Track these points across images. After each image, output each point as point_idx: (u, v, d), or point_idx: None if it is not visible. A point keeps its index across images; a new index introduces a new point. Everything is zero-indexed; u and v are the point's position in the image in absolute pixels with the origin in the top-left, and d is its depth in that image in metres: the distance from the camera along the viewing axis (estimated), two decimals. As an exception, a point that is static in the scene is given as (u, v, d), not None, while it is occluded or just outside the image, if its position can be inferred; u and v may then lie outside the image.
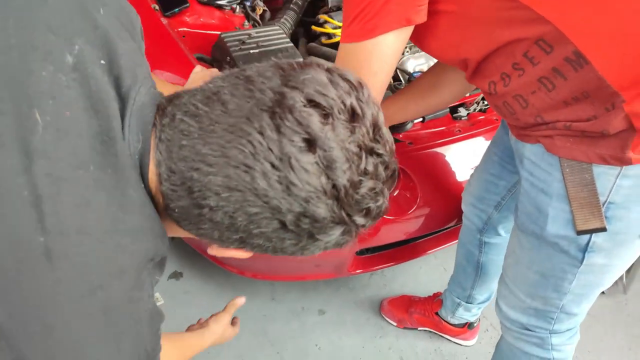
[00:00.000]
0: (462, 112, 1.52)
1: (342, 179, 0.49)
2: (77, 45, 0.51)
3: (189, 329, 0.96)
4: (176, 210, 0.54)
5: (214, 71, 1.27)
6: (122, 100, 0.52)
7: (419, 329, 1.67)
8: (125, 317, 0.52)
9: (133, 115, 0.52)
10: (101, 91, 0.51)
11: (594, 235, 0.85)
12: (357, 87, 0.52)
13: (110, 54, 0.53)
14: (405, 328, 1.68)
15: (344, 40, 0.85)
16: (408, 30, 0.82)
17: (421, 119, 1.48)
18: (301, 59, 0.55)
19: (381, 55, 0.83)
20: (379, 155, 0.52)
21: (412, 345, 1.65)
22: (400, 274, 1.85)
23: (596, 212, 0.82)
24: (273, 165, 0.47)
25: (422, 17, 0.80)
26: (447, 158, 1.45)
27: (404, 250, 1.60)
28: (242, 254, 0.58)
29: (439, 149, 1.44)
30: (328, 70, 0.52)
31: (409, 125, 1.44)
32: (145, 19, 0.72)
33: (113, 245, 0.49)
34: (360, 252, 1.54)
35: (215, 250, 0.58)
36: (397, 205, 1.38)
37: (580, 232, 0.85)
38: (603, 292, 1.83)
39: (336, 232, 0.52)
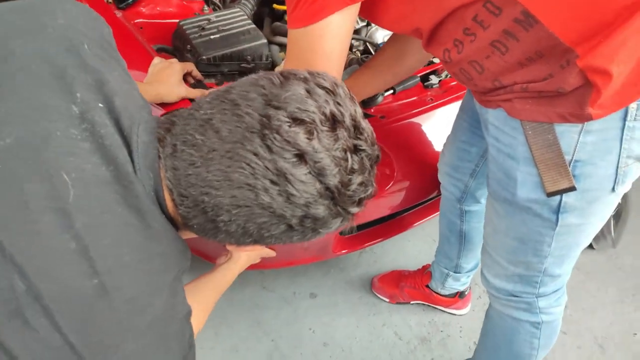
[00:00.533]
0: (434, 79, 1.48)
1: (334, 181, 0.55)
2: (78, 92, 0.56)
3: (217, 263, 1.04)
4: (195, 226, 0.61)
5: (173, 61, 1.23)
6: (127, 144, 0.58)
7: (412, 302, 1.67)
8: (170, 323, 0.61)
9: (140, 158, 0.57)
10: (110, 139, 0.56)
11: (564, 195, 0.83)
12: (333, 91, 0.57)
13: (105, 95, 0.58)
14: (397, 303, 1.67)
15: (290, 25, 0.82)
16: (355, 8, 0.79)
17: (392, 91, 1.44)
18: (277, 69, 0.60)
19: (331, 36, 0.80)
20: (362, 150, 0.58)
21: (406, 319, 1.65)
22: (389, 249, 1.84)
23: (563, 172, 0.80)
24: (272, 181, 0.54)
25: None
26: (421, 128, 1.42)
27: (389, 225, 1.58)
28: (257, 248, 0.69)
29: (412, 120, 1.40)
30: (305, 79, 0.57)
31: (380, 99, 1.41)
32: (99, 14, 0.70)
33: (149, 270, 0.57)
34: (344, 232, 1.52)
35: (232, 247, 0.67)
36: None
37: (550, 194, 0.82)
38: (593, 248, 1.82)
39: (336, 223, 0.59)
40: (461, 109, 1.17)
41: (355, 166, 0.56)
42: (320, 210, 0.56)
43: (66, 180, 0.52)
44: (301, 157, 0.53)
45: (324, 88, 0.56)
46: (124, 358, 0.56)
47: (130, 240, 0.56)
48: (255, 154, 0.53)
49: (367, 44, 1.56)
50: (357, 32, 1.61)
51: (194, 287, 0.96)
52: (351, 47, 1.58)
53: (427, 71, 1.51)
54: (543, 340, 1.08)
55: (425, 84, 1.48)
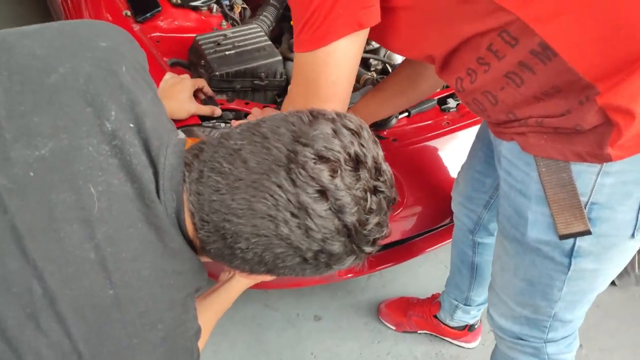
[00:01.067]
0: (451, 103, 1.44)
1: (352, 219, 0.57)
2: (113, 111, 0.59)
3: (220, 279, 1.04)
4: (212, 251, 0.63)
5: (185, 77, 1.22)
6: (154, 165, 0.60)
7: (419, 332, 1.61)
8: (180, 339, 0.62)
9: (165, 180, 0.59)
10: (137, 158, 0.58)
11: (578, 239, 0.78)
12: (358, 133, 0.59)
13: (137, 115, 0.60)
14: (404, 332, 1.62)
15: (296, 49, 0.79)
16: (362, 34, 0.77)
17: (406, 113, 1.40)
18: (308, 112, 0.61)
19: (337, 63, 0.77)
20: (381, 192, 0.59)
21: (412, 349, 1.59)
22: (399, 274, 1.79)
23: (578, 214, 0.75)
24: (292, 214, 0.55)
25: (374, 19, 0.75)
26: (435, 153, 1.38)
27: (399, 251, 1.53)
28: (268, 277, 0.69)
29: (426, 144, 1.36)
30: (332, 120, 0.59)
31: (393, 122, 1.37)
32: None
33: (164, 287, 0.59)
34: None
35: (244, 275, 0.68)
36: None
37: (562, 237, 0.77)
38: (615, 284, 1.73)
39: (349, 261, 0.61)
40: (477, 137, 1.13)
41: (374, 207, 0.58)
42: (336, 246, 0.57)
43: (92, 192, 0.55)
44: (323, 193, 0.55)
45: (349, 129, 0.59)
46: None
47: (148, 256, 0.58)
48: (280, 186, 0.55)
49: (387, 64, 1.53)
50: (375, 52, 1.58)
51: (199, 306, 0.95)
52: (369, 67, 1.55)
53: (445, 94, 1.46)
54: (551, 388, 1.01)
55: (442, 107, 1.44)
